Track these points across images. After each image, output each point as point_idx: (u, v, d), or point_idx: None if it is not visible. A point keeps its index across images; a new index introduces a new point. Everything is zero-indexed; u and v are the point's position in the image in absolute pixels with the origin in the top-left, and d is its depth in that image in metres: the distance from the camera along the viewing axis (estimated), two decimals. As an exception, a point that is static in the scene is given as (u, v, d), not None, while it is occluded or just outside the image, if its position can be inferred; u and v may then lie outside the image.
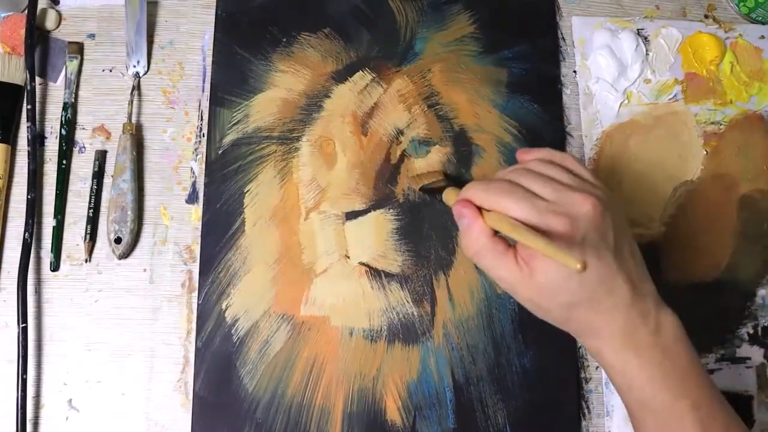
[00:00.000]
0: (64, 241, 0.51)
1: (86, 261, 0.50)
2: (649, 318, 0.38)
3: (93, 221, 0.50)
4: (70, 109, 0.52)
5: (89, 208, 0.50)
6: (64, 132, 0.52)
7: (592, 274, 0.36)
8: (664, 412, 0.37)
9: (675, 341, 0.38)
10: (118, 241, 0.50)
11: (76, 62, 0.53)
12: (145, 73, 0.54)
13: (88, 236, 0.50)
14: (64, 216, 0.51)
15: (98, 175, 0.51)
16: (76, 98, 0.53)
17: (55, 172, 0.51)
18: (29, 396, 0.47)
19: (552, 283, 0.36)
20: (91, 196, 0.51)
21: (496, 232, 0.38)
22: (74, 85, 0.53)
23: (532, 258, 0.37)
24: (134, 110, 0.53)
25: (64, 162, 0.51)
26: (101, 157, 0.52)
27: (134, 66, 0.54)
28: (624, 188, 0.55)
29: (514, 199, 0.37)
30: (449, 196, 0.45)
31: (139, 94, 0.54)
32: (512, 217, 0.37)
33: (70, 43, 0.54)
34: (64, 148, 0.52)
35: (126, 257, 0.51)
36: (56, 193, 0.51)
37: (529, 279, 0.37)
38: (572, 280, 0.36)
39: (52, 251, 0.50)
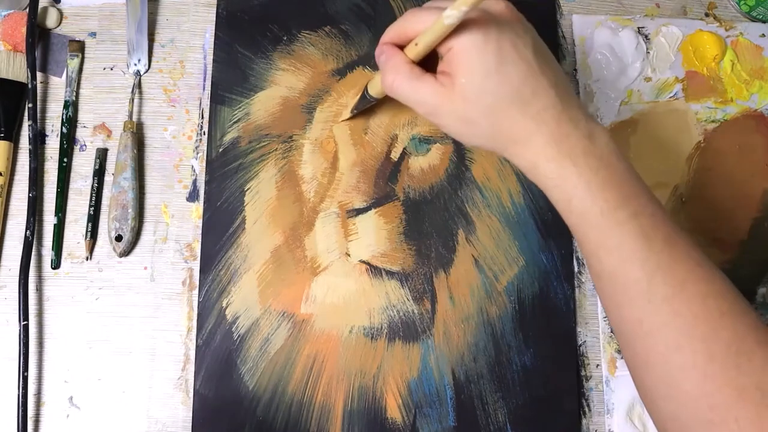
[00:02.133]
0: (65, 239, 0.51)
1: (87, 259, 0.50)
2: (580, 124, 0.36)
3: (94, 219, 0.51)
4: (71, 107, 0.52)
5: (90, 206, 0.51)
6: (65, 130, 0.52)
7: (512, 69, 0.35)
8: (603, 221, 0.35)
9: (609, 150, 0.36)
10: (119, 239, 0.50)
11: (77, 60, 0.53)
12: (146, 72, 0.54)
13: (89, 234, 0.50)
14: (65, 214, 0.51)
15: (99, 173, 0.51)
16: (77, 96, 0.53)
17: (56, 170, 0.51)
18: (30, 393, 0.48)
19: (474, 85, 0.35)
20: (92, 194, 0.51)
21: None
22: (75, 83, 0.53)
23: (450, 64, 0.35)
24: (135, 108, 0.53)
25: (65, 160, 0.51)
26: (102, 155, 0.52)
27: (135, 64, 0.54)
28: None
29: (425, 12, 0.36)
30: (373, 80, 0.44)
31: (140, 93, 0.54)
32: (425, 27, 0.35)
33: (71, 41, 0.54)
34: (65, 146, 0.52)
35: (127, 255, 0.51)
36: (57, 191, 0.51)
37: (451, 91, 0.35)
38: (493, 76, 0.34)
39: (53, 249, 0.50)
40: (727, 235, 0.56)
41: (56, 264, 0.50)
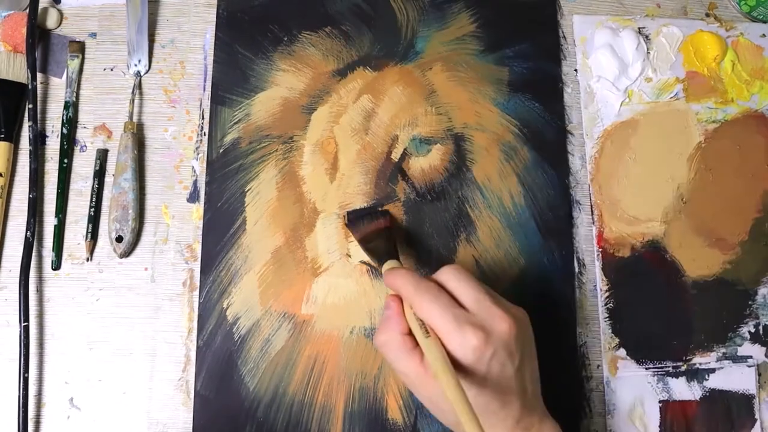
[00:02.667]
0: (65, 240, 0.51)
1: (87, 260, 0.50)
2: (532, 430, 0.40)
3: (94, 220, 0.50)
4: (72, 108, 0.52)
5: (90, 207, 0.50)
6: (65, 131, 0.52)
7: (490, 388, 0.38)
8: None
9: None
10: (119, 239, 0.50)
11: (77, 61, 0.53)
12: (147, 72, 0.54)
13: (89, 235, 0.50)
14: (65, 215, 0.51)
15: (99, 174, 0.51)
16: (77, 97, 0.53)
17: (57, 171, 0.51)
18: (31, 394, 0.48)
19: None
20: (92, 195, 0.51)
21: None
22: (75, 83, 0.53)
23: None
24: (135, 109, 0.53)
25: (66, 161, 0.51)
26: (102, 155, 0.52)
27: (135, 65, 0.54)
28: (624, 187, 0.55)
29: (438, 306, 0.39)
30: (388, 266, 0.44)
31: (141, 93, 0.54)
32: (432, 324, 0.39)
33: (71, 42, 0.54)
34: (66, 147, 0.52)
35: (127, 256, 0.51)
36: (57, 192, 0.51)
37: (431, 381, 0.39)
38: (471, 390, 0.38)
39: (53, 250, 0.50)
40: (728, 235, 0.56)
41: (57, 265, 0.50)
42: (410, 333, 0.40)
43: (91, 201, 0.51)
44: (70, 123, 0.52)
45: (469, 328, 0.38)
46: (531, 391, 0.41)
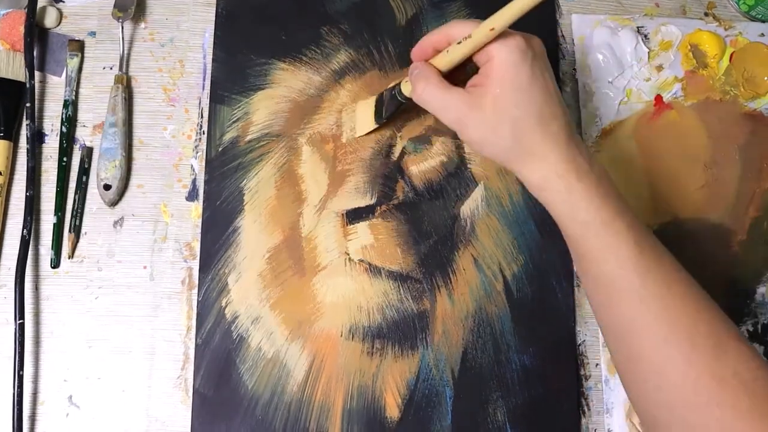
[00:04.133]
0: (64, 238, 0.51)
1: (69, 257, 0.50)
2: (582, 149, 0.41)
3: (80, 216, 0.51)
4: (71, 106, 0.52)
5: (75, 202, 0.51)
6: (64, 129, 0.52)
7: (538, 89, 0.40)
8: (603, 229, 0.39)
9: (603, 172, 0.42)
10: (107, 188, 0.50)
11: (76, 60, 0.53)
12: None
13: (73, 229, 0.50)
14: (64, 213, 0.51)
15: (86, 172, 0.52)
16: (76, 96, 0.53)
17: (56, 169, 0.51)
18: (29, 392, 0.48)
19: (506, 96, 0.40)
20: (76, 189, 0.51)
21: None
22: (75, 82, 0.53)
23: (486, 75, 0.40)
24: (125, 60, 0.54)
25: (65, 159, 0.51)
26: (88, 153, 0.52)
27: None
28: (624, 186, 0.55)
29: (470, 22, 0.41)
30: (404, 83, 0.47)
31: (140, 93, 0.54)
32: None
33: (70, 41, 0.54)
34: (65, 145, 0.52)
35: (115, 205, 0.51)
36: (57, 191, 0.51)
37: (481, 100, 0.40)
38: (523, 92, 0.39)
39: (52, 248, 0.50)
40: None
41: (56, 263, 0.50)
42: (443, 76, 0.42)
43: (76, 194, 0.51)
44: (70, 121, 0.52)
45: (511, 32, 0.40)
46: (568, 116, 0.42)
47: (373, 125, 0.52)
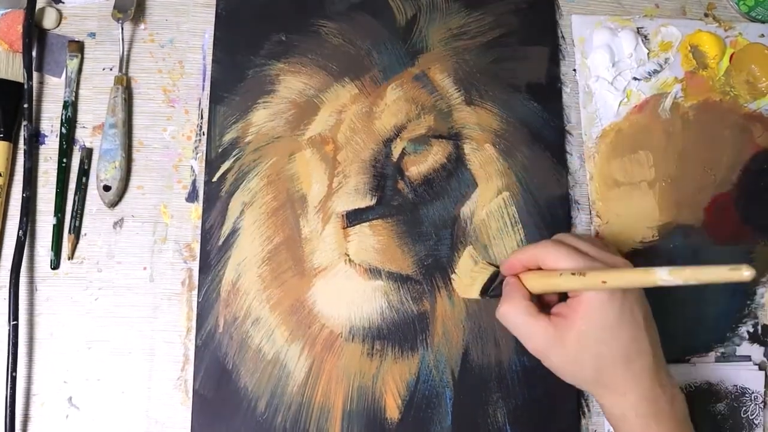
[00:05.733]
0: (64, 239, 0.51)
1: (69, 258, 0.50)
2: (667, 389, 0.41)
3: (80, 216, 0.51)
4: (71, 107, 0.52)
5: (75, 203, 0.51)
6: (64, 130, 0.52)
7: (626, 328, 0.39)
8: None
9: (684, 416, 0.41)
10: (107, 188, 0.50)
11: (76, 61, 0.53)
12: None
13: (73, 230, 0.50)
14: (64, 214, 0.51)
15: (85, 173, 0.51)
16: (76, 97, 0.53)
17: (56, 171, 0.51)
18: (29, 393, 0.48)
19: (591, 334, 0.39)
20: (76, 191, 0.51)
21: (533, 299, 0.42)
22: (75, 83, 0.53)
23: (572, 309, 0.40)
24: (125, 59, 0.54)
25: (65, 160, 0.51)
26: (87, 154, 0.52)
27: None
28: (623, 186, 0.55)
29: (564, 252, 0.40)
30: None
31: (139, 93, 0.54)
32: (561, 268, 0.40)
33: (70, 42, 0.54)
34: (65, 146, 0.52)
35: (115, 206, 0.51)
36: (56, 192, 0.51)
37: (565, 334, 0.40)
38: (610, 331, 0.39)
39: (52, 249, 0.50)
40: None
41: (55, 264, 0.50)
42: (532, 300, 0.42)
43: (76, 195, 0.51)
44: (69, 122, 0.52)
45: (599, 267, 0.39)
46: (657, 348, 0.41)
47: (476, 295, 0.51)
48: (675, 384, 0.42)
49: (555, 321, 0.40)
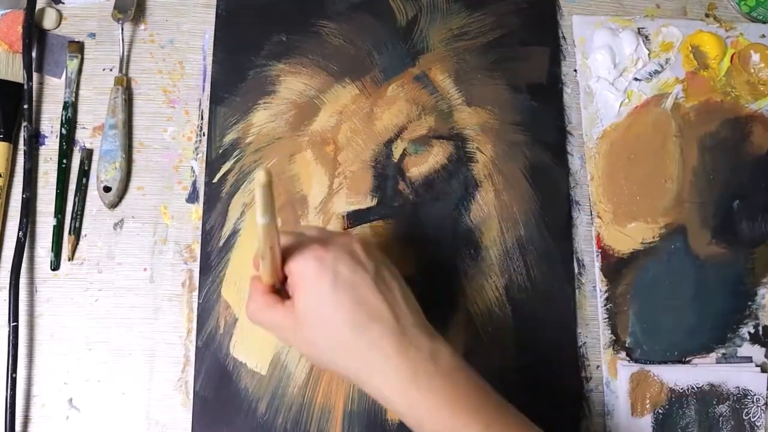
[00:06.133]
0: (64, 240, 0.50)
1: (69, 259, 0.50)
2: (423, 345, 0.36)
3: (80, 218, 0.51)
4: (71, 108, 0.52)
5: (75, 204, 0.51)
6: (64, 131, 0.52)
7: (346, 295, 0.36)
8: None
9: (453, 367, 0.36)
10: (107, 189, 0.50)
11: (76, 61, 0.53)
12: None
13: (73, 231, 0.50)
14: (64, 215, 0.51)
15: (86, 174, 0.51)
16: (76, 97, 0.53)
17: (56, 171, 0.51)
18: (29, 395, 0.48)
19: (309, 310, 0.36)
20: (77, 192, 0.51)
21: (276, 291, 0.39)
22: (75, 84, 0.53)
23: (292, 288, 0.37)
24: (125, 60, 0.54)
25: (65, 161, 0.51)
26: (88, 155, 0.52)
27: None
28: (624, 187, 0.55)
29: (282, 235, 0.37)
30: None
31: (140, 94, 0.54)
32: (275, 251, 0.36)
33: (70, 42, 0.54)
34: (65, 147, 0.51)
35: (115, 207, 0.51)
36: (57, 192, 0.51)
37: (293, 314, 0.37)
38: (327, 302, 0.36)
39: (52, 250, 0.50)
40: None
41: (56, 265, 0.50)
42: (270, 292, 0.38)
43: (76, 196, 0.51)
44: (69, 123, 0.52)
45: (308, 241, 0.37)
46: (405, 305, 0.37)
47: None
48: (437, 338, 0.37)
49: (287, 303, 0.37)
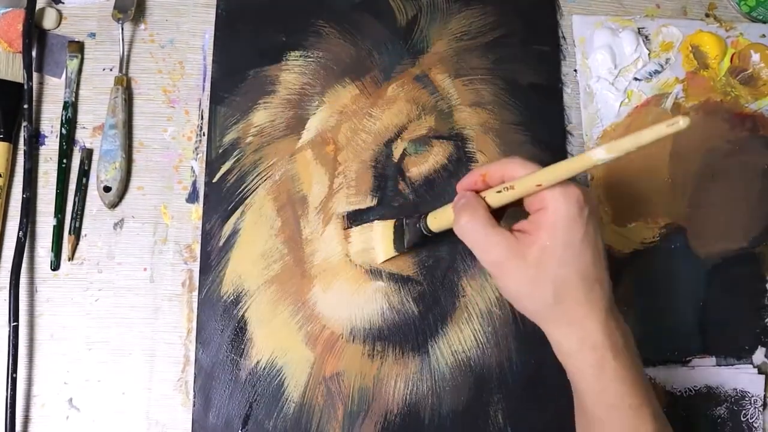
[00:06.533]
0: (64, 240, 0.50)
1: (69, 259, 0.50)
2: (620, 322, 0.39)
3: (80, 218, 0.51)
4: (71, 108, 0.52)
5: (75, 204, 0.51)
6: (64, 131, 0.52)
7: (588, 250, 0.37)
8: (630, 414, 0.38)
9: (636, 351, 0.39)
10: (107, 189, 0.50)
11: (76, 61, 0.53)
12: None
13: (73, 231, 0.50)
14: (64, 215, 0.51)
15: (86, 174, 0.51)
16: (76, 97, 0.53)
17: (56, 171, 0.51)
18: (29, 395, 0.48)
19: (555, 250, 0.36)
20: (77, 192, 0.51)
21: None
22: (75, 84, 0.53)
23: (537, 224, 0.37)
24: (125, 59, 0.54)
25: (65, 161, 0.51)
26: (87, 155, 0.52)
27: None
28: (624, 187, 0.55)
29: (520, 163, 0.38)
30: (435, 214, 0.45)
31: (140, 94, 0.54)
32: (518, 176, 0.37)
33: (70, 42, 0.54)
34: (65, 147, 0.51)
35: (115, 207, 0.51)
36: (57, 192, 0.51)
37: (527, 249, 0.37)
38: (572, 249, 0.36)
39: (52, 250, 0.50)
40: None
41: (56, 265, 0.50)
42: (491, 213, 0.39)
43: (76, 196, 0.51)
44: (70, 123, 0.52)
45: (569, 182, 0.36)
46: (611, 287, 0.39)
47: (393, 253, 0.50)
48: (623, 319, 0.40)
49: (518, 236, 0.38)
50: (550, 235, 0.36)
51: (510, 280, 0.38)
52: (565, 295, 0.37)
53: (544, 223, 0.37)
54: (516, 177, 0.38)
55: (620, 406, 0.38)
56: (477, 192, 0.40)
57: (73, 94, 0.53)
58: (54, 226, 0.50)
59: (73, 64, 0.53)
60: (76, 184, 0.51)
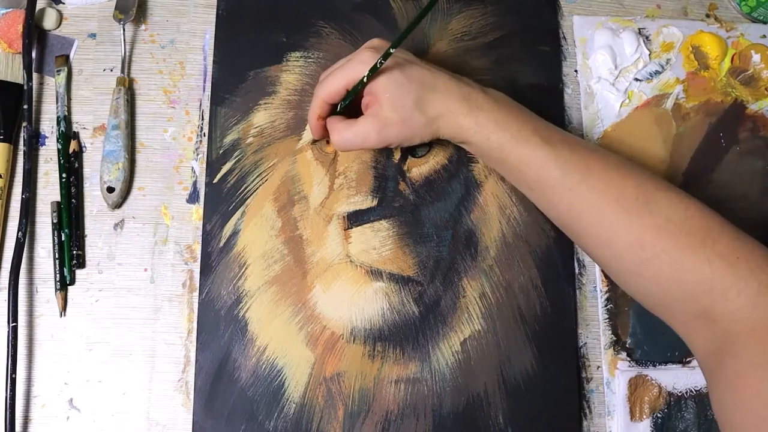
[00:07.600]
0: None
1: (61, 316, 0.50)
2: (474, 85, 0.47)
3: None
4: (64, 122, 0.52)
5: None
6: (59, 146, 0.51)
7: (414, 72, 0.45)
8: (515, 142, 0.44)
9: (500, 95, 0.47)
10: (110, 190, 0.50)
11: (63, 74, 0.53)
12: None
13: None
14: (71, 221, 0.51)
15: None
16: (69, 111, 0.53)
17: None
18: (30, 396, 0.48)
19: (395, 95, 0.45)
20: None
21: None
22: (65, 97, 0.52)
23: (372, 100, 0.45)
24: (127, 61, 0.54)
25: (64, 175, 0.51)
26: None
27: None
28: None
29: (333, 75, 0.47)
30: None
31: (140, 94, 0.54)
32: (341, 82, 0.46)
33: (57, 57, 0.53)
34: (63, 161, 0.51)
35: (119, 207, 0.51)
36: (60, 207, 0.50)
37: (381, 111, 0.45)
38: (405, 84, 0.45)
39: (65, 265, 0.50)
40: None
41: (71, 280, 0.50)
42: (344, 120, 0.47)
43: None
44: (64, 137, 0.51)
45: (358, 53, 0.47)
46: (457, 76, 0.47)
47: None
48: (484, 87, 0.47)
49: (368, 113, 0.46)
50: (381, 93, 0.45)
51: (395, 133, 0.46)
52: (425, 107, 0.45)
53: (374, 95, 0.45)
54: (359, 78, 0.45)
55: (504, 140, 0.45)
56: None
57: (65, 108, 0.52)
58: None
59: (60, 78, 0.53)
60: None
